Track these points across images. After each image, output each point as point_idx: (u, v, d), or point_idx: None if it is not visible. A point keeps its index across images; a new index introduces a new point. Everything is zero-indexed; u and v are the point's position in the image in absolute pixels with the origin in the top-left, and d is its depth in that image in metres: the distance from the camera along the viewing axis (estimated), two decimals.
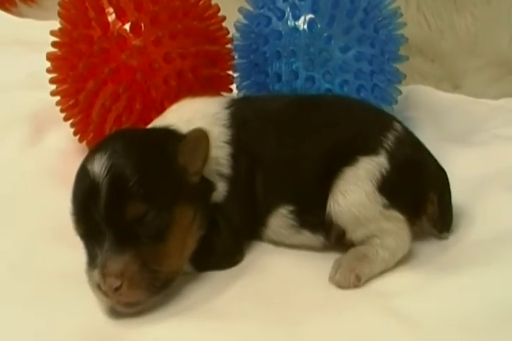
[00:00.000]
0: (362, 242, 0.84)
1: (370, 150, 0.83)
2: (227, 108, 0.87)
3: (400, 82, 1.11)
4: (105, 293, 0.72)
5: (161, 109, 0.91)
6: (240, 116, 0.87)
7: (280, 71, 1.06)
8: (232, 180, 0.84)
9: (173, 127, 0.83)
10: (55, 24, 1.04)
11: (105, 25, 0.94)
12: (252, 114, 0.88)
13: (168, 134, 0.82)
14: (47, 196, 0.98)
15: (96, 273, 0.73)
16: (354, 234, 0.83)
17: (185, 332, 0.74)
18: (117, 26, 0.94)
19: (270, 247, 0.88)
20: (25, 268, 0.85)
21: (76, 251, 0.78)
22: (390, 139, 0.85)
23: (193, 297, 0.80)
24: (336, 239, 0.85)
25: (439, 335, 0.74)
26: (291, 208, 0.84)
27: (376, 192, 0.82)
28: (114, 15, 0.95)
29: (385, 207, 0.82)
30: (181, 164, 0.79)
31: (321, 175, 0.83)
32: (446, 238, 0.89)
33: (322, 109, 0.88)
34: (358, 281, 0.81)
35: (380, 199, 0.82)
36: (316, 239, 0.85)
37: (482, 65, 1.35)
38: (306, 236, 0.85)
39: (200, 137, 0.80)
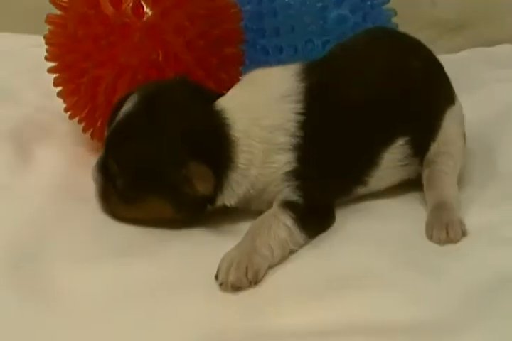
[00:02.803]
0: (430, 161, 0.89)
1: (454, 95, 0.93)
2: (301, 80, 0.84)
3: None
4: None
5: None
6: (317, 78, 0.84)
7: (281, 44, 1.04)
8: (302, 148, 0.81)
9: (228, 119, 0.80)
10: None
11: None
12: (333, 70, 0.87)
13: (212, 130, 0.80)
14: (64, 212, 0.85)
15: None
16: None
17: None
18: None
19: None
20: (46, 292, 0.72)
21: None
22: None
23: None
24: None
25: None
26: (407, 138, 0.87)
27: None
28: None
29: None
30: (186, 175, 0.77)
31: (429, 111, 0.89)
32: None
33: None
34: (464, 226, 0.81)
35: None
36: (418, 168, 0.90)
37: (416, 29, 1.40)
38: (414, 165, 0.89)
39: (205, 178, 0.78)
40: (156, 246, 0.79)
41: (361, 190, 0.87)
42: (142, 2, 0.86)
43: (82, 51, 0.88)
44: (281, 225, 0.77)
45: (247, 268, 0.71)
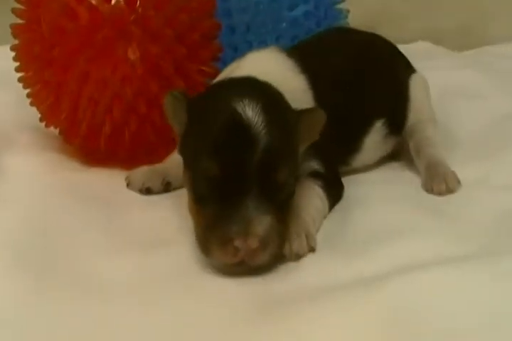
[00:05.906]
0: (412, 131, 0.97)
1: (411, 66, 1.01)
2: (290, 57, 0.86)
3: None
4: (233, 251, 0.67)
5: None
6: (306, 59, 0.86)
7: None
8: None
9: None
10: None
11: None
12: (316, 53, 0.91)
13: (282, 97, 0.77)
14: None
15: (232, 228, 0.67)
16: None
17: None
18: None
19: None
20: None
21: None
22: None
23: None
24: None
25: None
26: (383, 120, 0.94)
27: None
28: None
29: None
30: (298, 141, 0.76)
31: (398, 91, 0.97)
32: None
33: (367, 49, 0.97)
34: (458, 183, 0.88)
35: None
36: (396, 141, 0.98)
37: None
38: (392, 141, 0.97)
39: (318, 120, 0.76)
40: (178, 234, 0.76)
41: (345, 169, 0.92)
42: None
43: (69, 45, 0.84)
44: (316, 196, 0.80)
45: (306, 236, 0.73)
